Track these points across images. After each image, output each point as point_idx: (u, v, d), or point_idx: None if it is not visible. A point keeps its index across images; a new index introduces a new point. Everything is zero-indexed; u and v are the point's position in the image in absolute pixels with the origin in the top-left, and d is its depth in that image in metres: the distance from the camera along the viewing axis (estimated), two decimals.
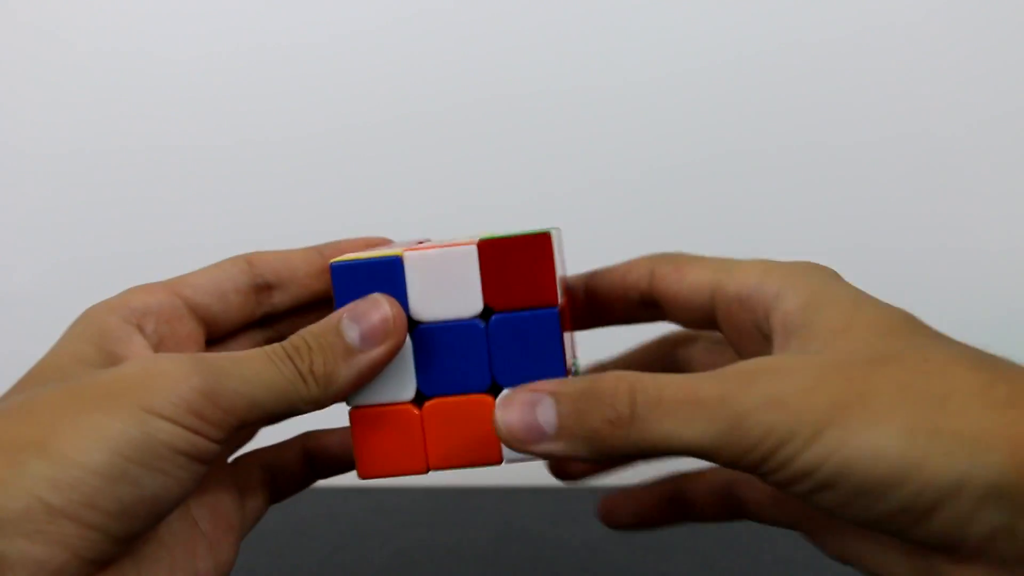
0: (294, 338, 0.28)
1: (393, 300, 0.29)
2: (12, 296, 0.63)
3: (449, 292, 0.29)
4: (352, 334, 0.28)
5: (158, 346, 0.30)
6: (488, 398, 0.30)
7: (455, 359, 0.29)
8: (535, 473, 0.53)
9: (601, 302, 0.34)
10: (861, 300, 0.27)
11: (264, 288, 0.32)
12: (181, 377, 0.25)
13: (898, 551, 0.26)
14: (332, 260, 0.29)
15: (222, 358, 0.27)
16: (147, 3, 0.60)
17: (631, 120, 0.58)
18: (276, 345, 0.28)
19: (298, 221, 0.59)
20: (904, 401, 0.24)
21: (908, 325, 0.27)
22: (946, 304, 0.58)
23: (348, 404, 0.30)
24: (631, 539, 0.42)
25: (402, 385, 0.30)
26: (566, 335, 0.31)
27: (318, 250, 0.33)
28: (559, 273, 0.30)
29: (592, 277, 0.34)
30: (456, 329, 0.29)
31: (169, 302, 0.30)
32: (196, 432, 0.25)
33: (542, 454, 0.26)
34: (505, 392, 0.28)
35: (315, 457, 0.33)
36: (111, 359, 0.28)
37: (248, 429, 0.32)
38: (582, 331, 0.35)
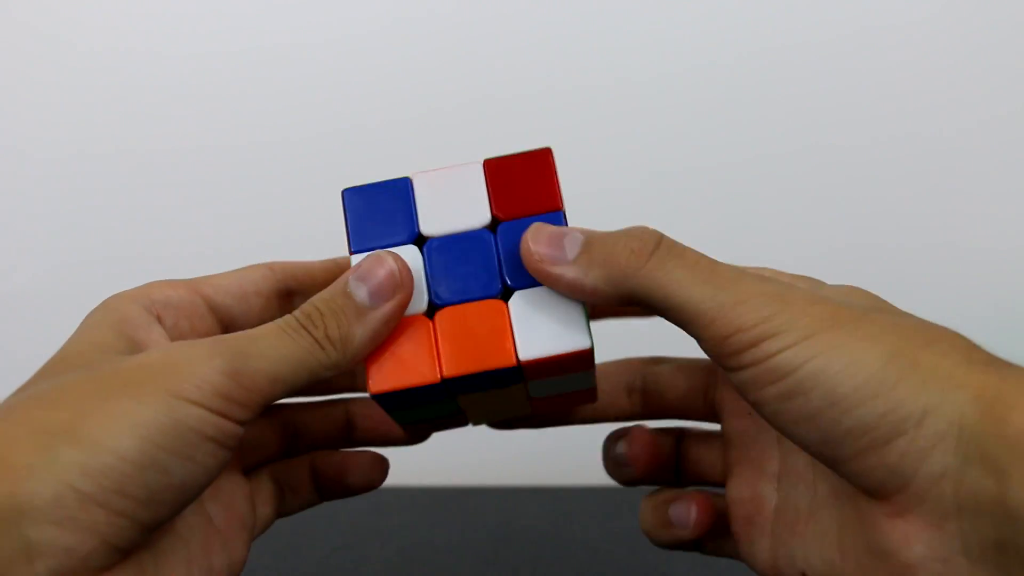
0: (305, 307, 0.28)
1: (396, 255, 0.29)
2: (12, 296, 0.63)
3: (457, 206, 0.30)
4: (361, 293, 0.28)
5: (176, 338, 0.30)
6: (499, 301, 0.29)
7: (466, 268, 0.30)
8: (535, 473, 0.53)
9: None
10: (860, 288, 0.29)
11: (285, 294, 0.33)
12: (204, 360, 0.25)
13: (831, 505, 0.27)
14: (344, 189, 0.30)
15: (239, 338, 0.27)
16: (155, 3, 0.60)
17: (631, 120, 0.58)
18: (289, 316, 0.28)
19: (299, 222, 0.59)
20: (893, 334, 0.25)
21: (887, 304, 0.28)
22: (946, 304, 0.58)
23: None
24: (631, 539, 0.42)
25: (415, 298, 0.30)
26: None
27: (335, 262, 0.34)
28: (560, 187, 0.30)
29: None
30: (466, 239, 0.30)
31: (189, 298, 0.30)
32: (223, 415, 0.25)
33: (556, 278, 0.28)
34: (537, 223, 0.29)
35: (321, 476, 0.34)
36: (132, 346, 0.28)
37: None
38: None
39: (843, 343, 0.24)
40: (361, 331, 0.28)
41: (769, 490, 0.31)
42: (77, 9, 0.60)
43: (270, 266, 0.33)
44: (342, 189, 0.30)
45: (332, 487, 0.34)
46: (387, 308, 0.28)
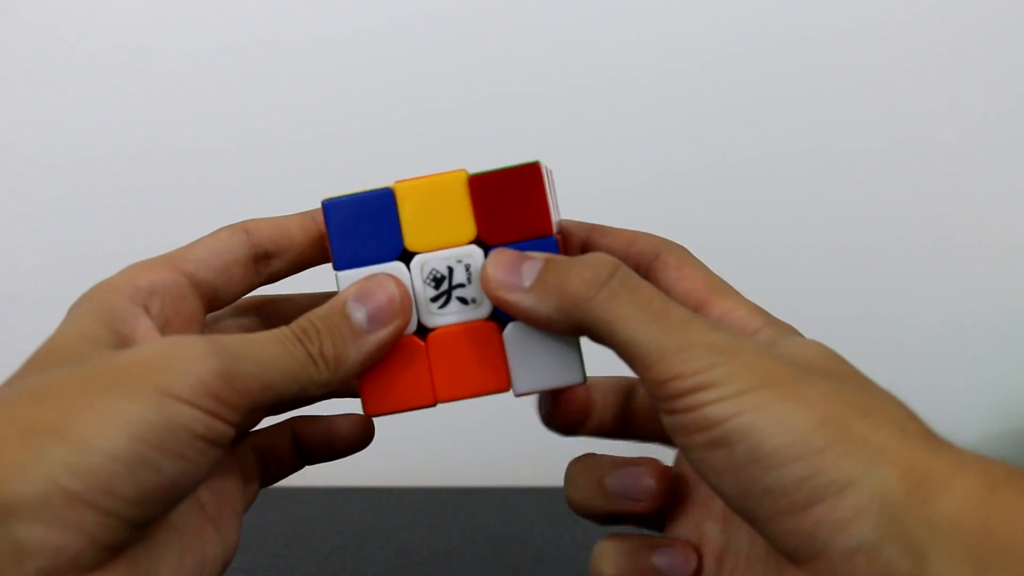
0: (303, 321, 0.28)
1: (398, 280, 0.29)
2: (12, 296, 0.63)
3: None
4: (359, 315, 0.28)
5: (164, 326, 0.30)
6: (491, 324, 0.29)
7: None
8: (535, 473, 0.53)
9: None
10: (822, 344, 0.28)
11: (263, 257, 0.32)
12: (199, 359, 0.25)
13: (764, 559, 0.27)
14: (324, 198, 0.29)
15: (236, 340, 0.26)
16: (151, 2, 0.60)
17: (632, 119, 0.58)
18: (286, 328, 0.28)
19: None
20: (830, 398, 0.24)
21: (859, 371, 0.27)
22: (946, 304, 0.58)
23: None
24: None
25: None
26: None
27: (312, 216, 0.33)
28: (552, 205, 0.29)
29: (594, 232, 0.33)
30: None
31: (173, 280, 0.30)
32: (214, 415, 0.25)
33: (511, 305, 0.28)
34: (501, 248, 0.29)
35: (303, 443, 0.33)
36: (120, 339, 0.28)
37: (254, 416, 0.32)
38: None
39: (776, 402, 0.24)
40: (355, 353, 0.28)
41: (715, 530, 0.30)
42: (76, 8, 0.60)
43: (246, 228, 0.32)
44: (322, 200, 0.29)
45: (316, 452, 0.33)
46: (383, 334, 0.28)
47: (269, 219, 0.32)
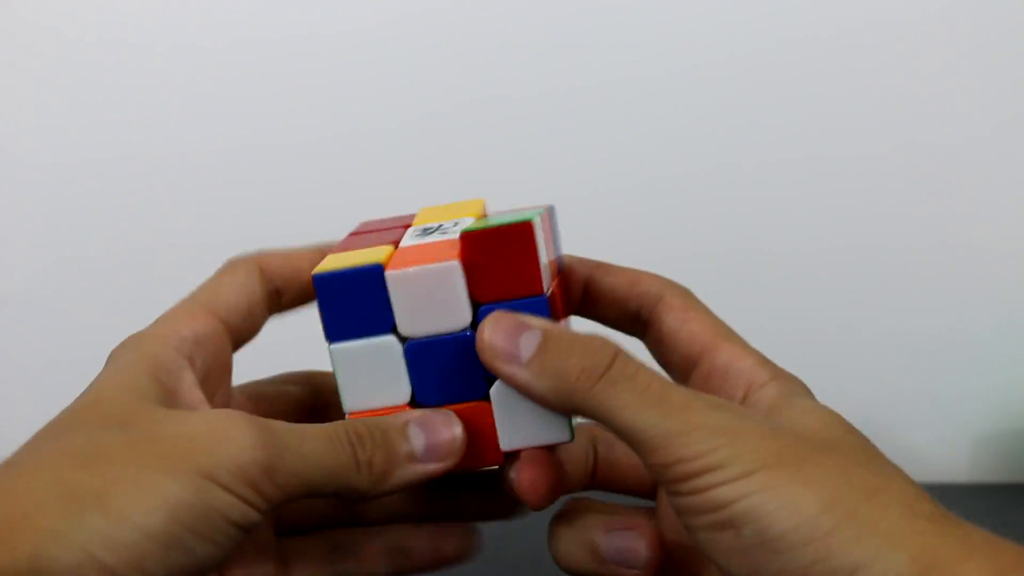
0: (359, 426, 0.28)
1: (461, 424, 0.29)
2: (12, 296, 0.63)
3: (435, 307, 0.29)
4: (418, 443, 0.29)
5: (204, 378, 0.30)
6: (486, 405, 0.29)
7: (449, 369, 0.29)
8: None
9: (598, 299, 0.33)
10: (829, 411, 0.28)
11: (274, 294, 0.33)
12: (247, 446, 0.25)
13: None
14: (315, 270, 0.29)
15: (286, 431, 0.27)
16: (151, 1, 0.60)
17: (632, 119, 0.58)
18: (338, 427, 0.28)
19: (299, 220, 0.59)
20: (838, 479, 0.24)
21: (867, 442, 0.27)
22: (945, 305, 0.58)
23: (344, 410, 0.30)
24: None
25: (397, 390, 0.30)
26: (562, 322, 0.31)
27: (321, 252, 0.33)
28: (544, 260, 0.29)
29: (597, 269, 0.33)
30: (447, 342, 0.29)
31: (214, 330, 0.30)
32: (250, 504, 0.25)
33: (508, 376, 0.27)
34: (500, 311, 0.28)
35: (406, 554, 0.34)
36: (167, 393, 0.28)
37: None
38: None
39: (783, 484, 0.24)
40: (401, 475, 0.28)
41: None
42: (78, 7, 0.60)
43: (260, 265, 0.32)
44: (312, 273, 0.29)
45: (421, 563, 0.34)
46: (433, 468, 0.29)
47: (282, 254, 0.33)
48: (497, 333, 0.27)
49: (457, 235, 0.29)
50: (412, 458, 0.28)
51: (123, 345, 0.29)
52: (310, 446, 0.27)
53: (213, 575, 0.29)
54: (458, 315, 0.29)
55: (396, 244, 0.31)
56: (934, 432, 0.59)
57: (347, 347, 0.29)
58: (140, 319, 0.31)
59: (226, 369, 0.31)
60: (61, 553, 0.23)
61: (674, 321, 0.31)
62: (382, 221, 0.34)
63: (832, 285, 0.58)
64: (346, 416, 0.30)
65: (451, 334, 0.29)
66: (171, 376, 0.28)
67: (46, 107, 0.61)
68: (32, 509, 0.23)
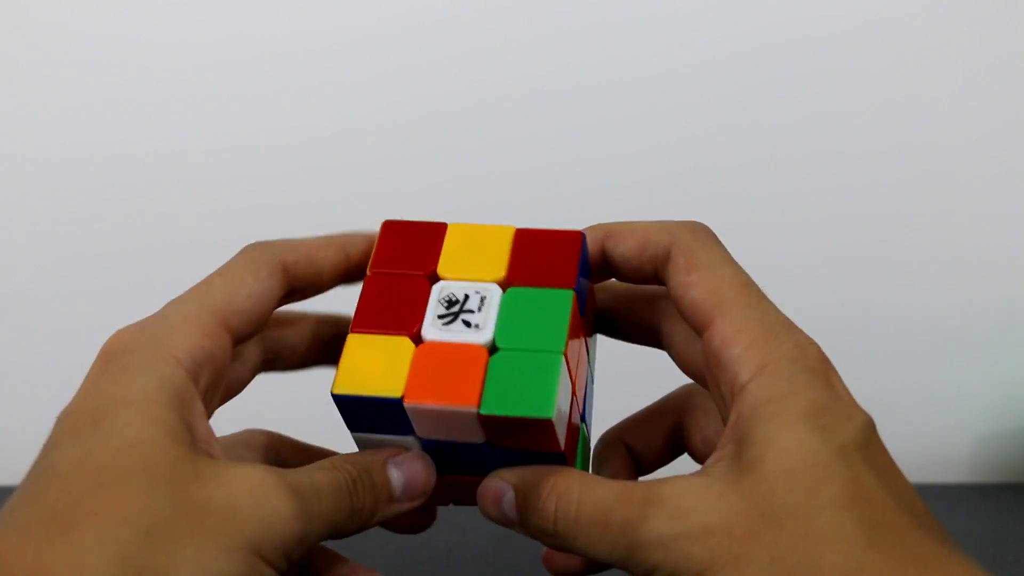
0: (352, 470, 0.29)
1: (432, 464, 0.30)
2: (12, 296, 0.63)
3: (452, 429, 0.29)
4: (397, 483, 0.29)
5: (205, 399, 0.29)
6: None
7: (462, 459, 0.30)
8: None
9: (616, 270, 0.32)
10: (803, 420, 0.26)
11: (289, 294, 0.32)
12: (288, 518, 0.26)
13: None
14: (334, 389, 0.29)
15: (310, 491, 0.27)
16: (149, 3, 0.60)
17: (633, 118, 0.58)
18: (340, 475, 0.28)
19: (302, 219, 0.59)
20: (772, 572, 0.24)
21: (825, 470, 0.25)
22: (944, 303, 0.58)
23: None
24: None
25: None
26: (580, 377, 0.31)
27: (343, 248, 0.32)
28: (562, 420, 0.29)
29: (608, 239, 0.32)
30: (464, 446, 0.30)
31: (222, 346, 0.29)
32: (279, 570, 0.26)
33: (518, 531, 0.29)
34: (484, 482, 0.30)
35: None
36: (190, 432, 0.27)
37: None
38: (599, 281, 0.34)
39: None
40: (381, 516, 0.29)
41: None
42: (78, 7, 0.60)
43: (284, 265, 0.31)
44: (332, 392, 0.29)
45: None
46: (407, 507, 0.30)
47: (305, 252, 0.32)
48: (488, 507, 0.30)
49: (481, 336, 0.29)
50: (392, 499, 0.29)
51: (128, 352, 0.28)
52: (327, 502, 0.27)
53: None
54: (474, 435, 0.29)
55: (417, 330, 0.30)
56: (934, 432, 0.59)
57: (367, 436, 0.30)
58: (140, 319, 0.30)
59: (222, 382, 0.30)
60: None
61: (677, 286, 0.30)
62: (407, 230, 0.32)
63: (831, 285, 0.58)
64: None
65: (467, 443, 0.29)
66: (187, 408, 0.28)
67: (46, 107, 0.61)
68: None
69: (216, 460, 0.27)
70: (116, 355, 0.28)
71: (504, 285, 0.30)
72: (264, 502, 0.26)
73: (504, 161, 0.59)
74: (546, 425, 0.27)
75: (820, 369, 0.28)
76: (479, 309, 0.30)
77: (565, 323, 0.29)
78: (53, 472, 0.25)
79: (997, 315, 0.58)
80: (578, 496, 0.27)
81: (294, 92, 0.59)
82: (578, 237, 0.31)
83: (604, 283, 0.34)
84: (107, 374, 0.28)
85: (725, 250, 0.31)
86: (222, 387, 0.31)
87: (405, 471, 0.29)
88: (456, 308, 0.30)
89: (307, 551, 0.27)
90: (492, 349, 0.29)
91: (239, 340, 0.30)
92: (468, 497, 0.31)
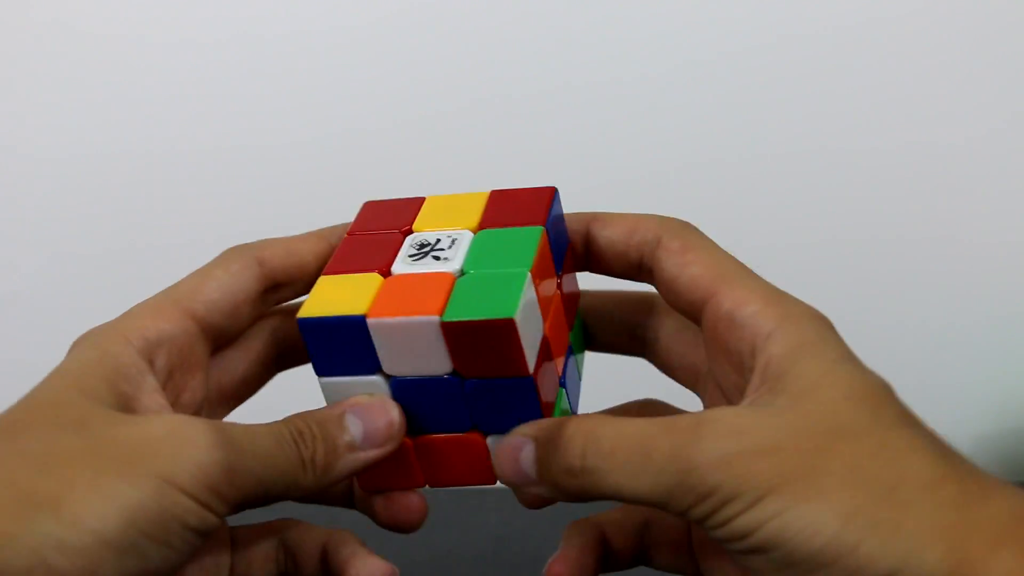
0: (299, 422, 0.28)
1: (398, 407, 0.29)
2: (12, 296, 0.63)
3: (417, 353, 0.28)
4: (355, 431, 0.28)
5: (168, 378, 0.29)
6: (475, 435, 0.30)
7: (434, 405, 0.29)
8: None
9: (599, 255, 0.32)
10: (843, 360, 0.27)
11: (271, 288, 0.32)
12: (205, 449, 0.25)
13: None
14: (299, 314, 0.28)
15: (239, 432, 0.26)
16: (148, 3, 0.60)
17: (635, 116, 0.58)
18: (282, 426, 0.28)
19: (299, 219, 0.59)
20: (851, 483, 0.24)
21: (879, 397, 0.26)
22: (944, 302, 0.58)
23: None
24: None
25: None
26: (561, 358, 0.31)
27: (327, 239, 0.32)
28: (531, 341, 0.28)
29: (594, 222, 0.32)
30: (431, 382, 0.29)
31: (182, 329, 0.29)
32: (208, 508, 0.25)
33: (534, 499, 0.29)
34: (493, 439, 0.29)
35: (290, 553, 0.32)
36: (122, 399, 0.27)
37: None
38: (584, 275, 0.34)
39: (797, 504, 0.23)
40: (342, 466, 0.28)
41: None
42: (77, 6, 0.60)
43: (259, 258, 0.31)
44: (297, 317, 0.28)
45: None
46: (373, 455, 0.29)
47: (283, 244, 0.32)
48: (504, 465, 0.28)
49: (450, 266, 0.29)
50: (351, 447, 0.28)
51: (84, 339, 0.29)
52: (261, 445, 0.26)
53: None
54: (439, 362, 0.28)
55: (387, 269, 0.30)
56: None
57: (335, 381, 0.29)
58: None
59: (196, 367, 0.30)
60: (12, 557, 0.22)
61: (673, 267, 0.30)
62: (387, 206, 0.33)
63: (831, 285, 0.58)
64: None
65: (435, 376, 0.29)
66: (130, 382, 0.27)
67: (46, 106, 0.61)
68: None
69: (145, 416, 0.27)
70: (75, 344, 0.29)
71: (476, 231, 0.30)
72: (177, 433, 0.25)
73: (500, 160, 0.59)
74: (509, 329, 0.26)
75: (835, 331, 0.28)
76: (449, 247, 0.30)
77: (533, 249, 0.29)
78: None
79: (997, 315, 0.58)
80: (612, 430, 0.26)
81: (294, 92, 0.59)
82: (550, 189, 0.31)
83: (584, 291, 0.34)
84: (62, 362, 0.28)
85: (714, 242, 0.31)
86: (200, 373, 0.30)
87: (363, 417, 0.28)
88: (427, 249, 0.30)
89: (253, 492, 0.26)
90: (460, 276, 0.29)
91: (213, 330, 0.30)
92: (450, 470, 0.30)
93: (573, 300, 0.33)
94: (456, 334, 0.27)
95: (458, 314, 0.27)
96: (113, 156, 0.61)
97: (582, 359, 0.35)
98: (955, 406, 0.59)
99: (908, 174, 0.57)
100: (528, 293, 0.28)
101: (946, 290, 0.58)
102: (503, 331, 0.27)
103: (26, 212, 0.62)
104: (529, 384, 0.28)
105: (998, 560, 0.22)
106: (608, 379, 0.38)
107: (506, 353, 0.27)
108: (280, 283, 0.32)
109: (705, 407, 0.32)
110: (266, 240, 0.32)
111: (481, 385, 0.28)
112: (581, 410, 0.34)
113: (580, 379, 0.34)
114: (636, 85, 0.57)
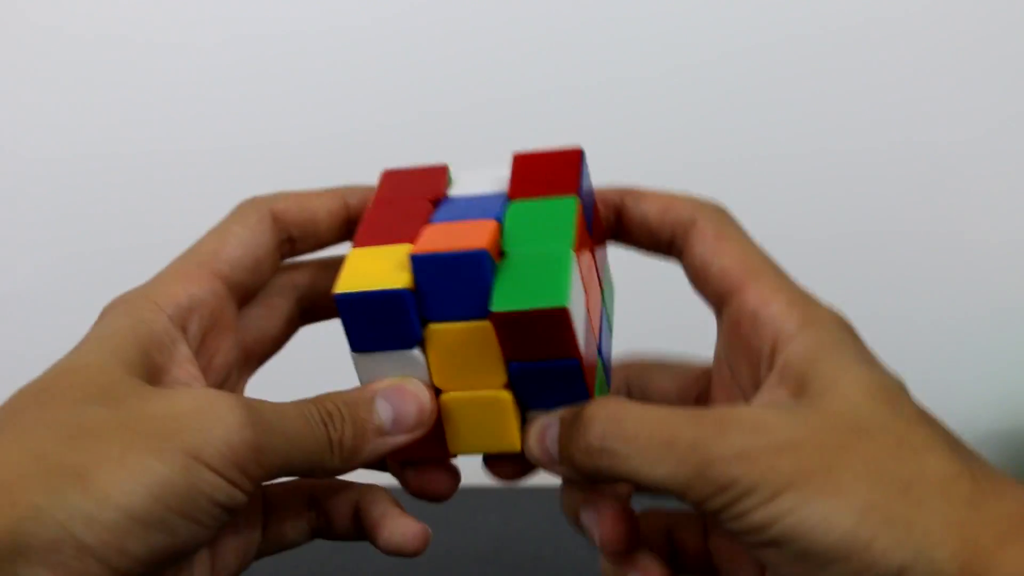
0: (328, 403, 0.28)
1: (430, 390, 0.29)
2: (12, 296, 0.63)
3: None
4: (385, 416, 0.28)
5: (200, 345, 0.29)
6: (505, 395, 0.29)
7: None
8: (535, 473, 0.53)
9: (631, 228, 0.32)
10: (862, 361, 0.27)
11: (286, 242, 0.32)
12: (234, 426, 0.25)
13: None
14: (335, 289, 0.28)
15: (268, 410, 0.26)
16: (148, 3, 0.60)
17: (637, 116, 0.58)
18: (311, 405, 0.28)
19: None
20: (868, 480, 0.24)
21: (897, 396, 0.27)
22: (946, 302, 0.58)
23: None
24: None
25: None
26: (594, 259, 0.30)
27: (341, 197, 0.32)
28: (579, 322, 0.28)
29: (627, 196, 0.32)
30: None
31: (212, 291, 0.30)
32: (236, 485, 0.25)
33: (561, 475, 0.28)
34: (533, 414, 0.29)
35: (320, 507, 0.32)
36: (155, 369, 0.27)
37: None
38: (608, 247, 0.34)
39: (813, 499, 0.24)
40: (370, 450, 0.28)
41: None
42: (74, 6, 0.60)
43: (273, 212, 0.31)
44: (334, 293, 0.28)
45: (337, 527, 0.33)
46: (402, 439, 0.29)
47: (297, 199, 0.32)
48: (534, 442, 0.28)
49: (487, 215, 0.29)
50: (380, 432, 0.28)
51: (114, 306, 0.29)
52: (290, 425, 0.26)
53: (204, 552, 0.28)
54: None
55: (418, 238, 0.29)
56: None
57: (371, 356, 0.29)
58: None
59: (227, 329, 0.30)
60: (39, 529, 0.22)
61: (704, 253, 0.30)
62: (408, 174, 0.33)
63: (831, 283, 0.58)
64: None
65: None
66: (163, 351, 0.28)
67: (45, 107, 0.61)
68: (13, 483, 0.23)
69: (175, 389, 0.27)
70: (106, 311, 0.29)
71: (508, 199, 0.30)
72: (207, 409, 0.25)
73: (501, 160, 0.59)
74: (562, 317, 0.26)
75: (856, 334, 0.29)
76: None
77: (571, 224, 0.28)
78: (7, 402, 0.26)
79: (998, 314, 0.58)
80: (635, 415, 0.26)
81: (294, 92, 0.59)
82: (577, 151, 0.31)
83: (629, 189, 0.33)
84: (92, 328, 0.28)
85: (746, 232, 0.31)
86: (232, 333, 0.31)
87: (394, 402, 0.28)
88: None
89: (279, 471, 0.26)
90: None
91: (239, 288, 0.31)
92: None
93: (602, 260, 0.33)
94: (506, 323, 0.27)
95: (507, 303, 0.26)
96: (113, 156, 0.61)
97: (612, 309, 0.34)
98: (956, 406, 0.59)
99: (908, 175, 0.57)
100: (575, 278, 0.28)
101: (947, 290, 0.58)
102: (556, 319, 0.26)
103: (26, 212, 0.62)
104: (576, 366, 0.28)
105: (1008, 556, 0.23)
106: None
107: (557, 339, 0.27)
108: (293, 237, 0.32)
109: (713, 380, 0.32)
110: (279, 193, 0.32)
111: (527, 368, 0.28)
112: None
113: (611, 331, 0.34)
114: (638, 85, 0.57)
